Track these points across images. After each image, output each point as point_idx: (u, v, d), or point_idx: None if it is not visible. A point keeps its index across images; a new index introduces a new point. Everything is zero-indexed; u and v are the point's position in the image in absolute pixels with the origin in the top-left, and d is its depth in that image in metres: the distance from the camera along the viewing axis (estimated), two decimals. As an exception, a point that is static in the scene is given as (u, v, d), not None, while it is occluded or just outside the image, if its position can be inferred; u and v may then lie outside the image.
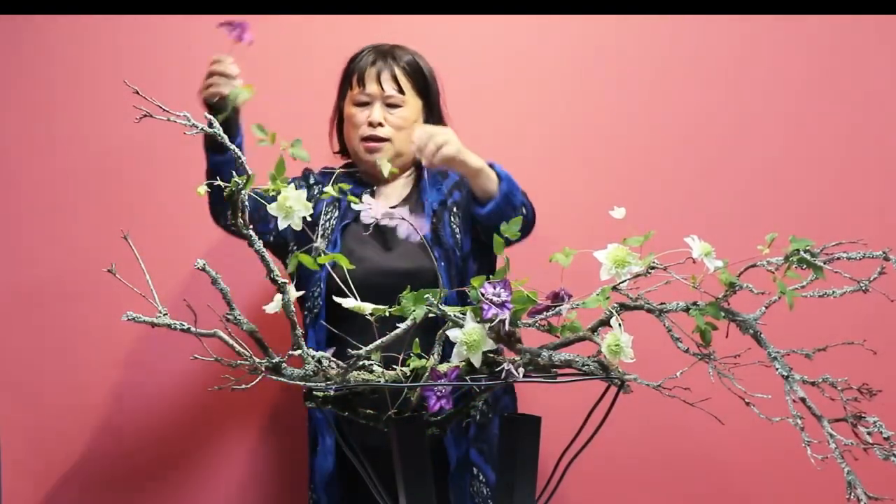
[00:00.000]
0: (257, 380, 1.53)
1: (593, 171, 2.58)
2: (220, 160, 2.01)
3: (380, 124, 2.17)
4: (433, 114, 2.24)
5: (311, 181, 2.25)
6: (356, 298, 1.57)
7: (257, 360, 1.52)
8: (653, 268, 1.54)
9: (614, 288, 1.56)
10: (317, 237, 2.13)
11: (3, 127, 2.57)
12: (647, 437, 2.56)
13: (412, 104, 2.19)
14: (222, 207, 2.03)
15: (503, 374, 1.54)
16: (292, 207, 1.50)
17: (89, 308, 2.52)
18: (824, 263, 1.52)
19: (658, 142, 2.59)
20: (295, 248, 2.13)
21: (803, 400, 1.50)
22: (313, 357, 1.55)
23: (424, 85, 2.22)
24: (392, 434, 1.63)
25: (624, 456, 2.55)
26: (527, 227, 2.09)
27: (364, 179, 2.24)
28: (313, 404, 1.60)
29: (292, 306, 1.53)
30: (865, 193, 2.55)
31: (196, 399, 2.50)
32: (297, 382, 1.55)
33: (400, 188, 2.24)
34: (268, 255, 1.51)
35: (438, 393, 1.53)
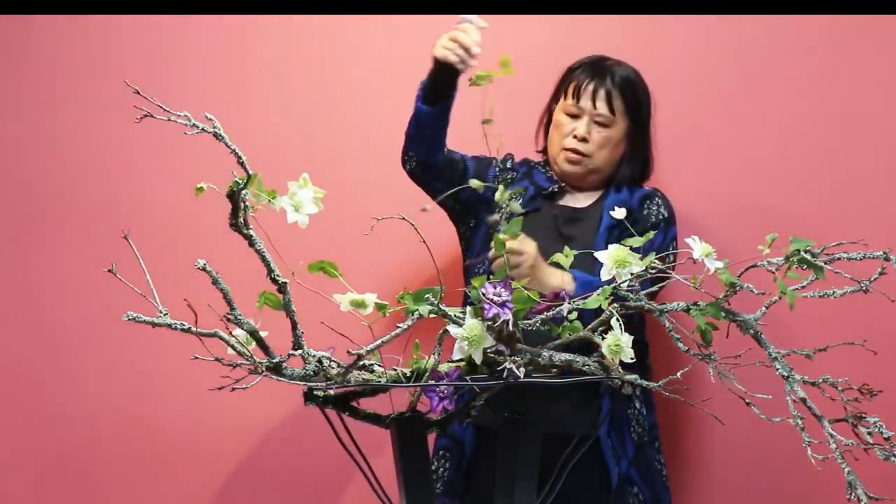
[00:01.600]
0: (257, 380, 1.53)
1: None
2: (425, 111, 2.15)
3: (584, 139, 2.21)
4: (640, 136, 2.28)
5: (508, 165, 2.31)
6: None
7: (258, 360, 1.52)
8: (653, 268, 1.54)
9: (614, 288, 1.56)
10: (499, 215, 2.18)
11: (3, 127, 2.57)
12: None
13: (620, 125, 2.23)
14: (423, 147, 2.20)
15: (504, 374, 1.54)
16: (301, 203, 1.51)
17: (89, 308, 2.52)
18: (825, 263, 1.52)
19: (658, 142, 2.58)
20: (472, 222, 2.26)
21: (804, 400, 1.50)
22: (314, 357, 1.55)
23: (636, 108, 2.25)
24: (392, 434, 1.63)
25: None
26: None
27: (554, 179, 2.29)
28: (314, 404, 1.60)
29: (292, 306, 1.53)
30: (865, 193, 2.55)
31: (196, 399, 2.50)
32: (298, 383, 1.55)
33: (586, 196, 2.28)
34: (268, 254, 1.51)
35: (441, 394, 1.53)
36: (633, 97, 2.25)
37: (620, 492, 2.15)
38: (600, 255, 1.55)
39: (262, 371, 1.52)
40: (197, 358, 1.51)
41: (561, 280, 1.98)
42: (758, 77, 2.59)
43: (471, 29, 2.08)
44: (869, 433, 1.47)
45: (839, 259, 1.53)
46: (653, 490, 2.20)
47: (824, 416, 1.49)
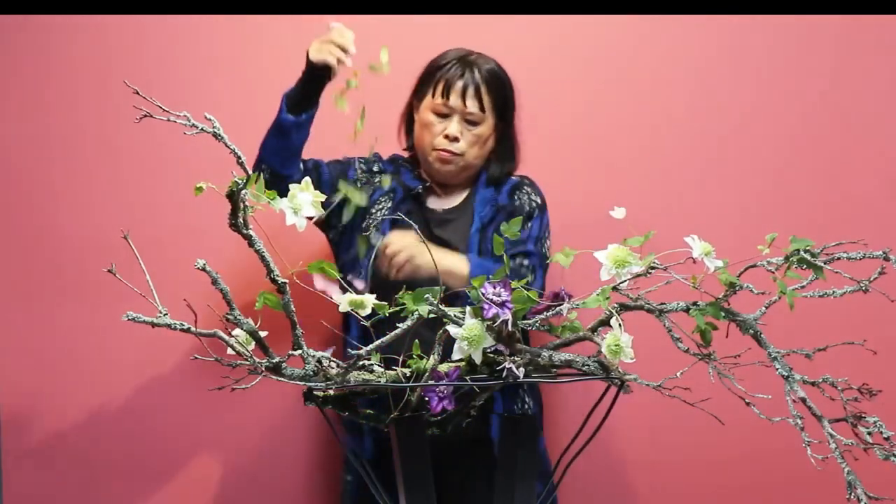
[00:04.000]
0: (257, 380, 1.53)
1: (593, 171, 2.58)
2: (291, 121, 2.13)
3: (455, 139, 2.20)
4: (507, 131, 2.27)
5: (375, 169, 2.29)
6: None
7: (257, 360, 1.52)
8: (653, 268, 1.54)
9: (614, 288, 1.56)
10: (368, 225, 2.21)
11: (3, 126, 2.57)
12: (647, 436, 2.56)
13: (489, 121, 2.22)
14: (278, 159, 2.15)
15: (504, 374, 1.54)
16: (301, 206, 1.51)
17: (89, 308, 2.52)
18: (824, 263, 1.52)
19: (658, 142, 2.58)
20: (342, 226, 2.22)
21: (803, 400, 1.50)
22: (313, 357, 1.55)
23: (503, 103, 2.24)
24: (392, 434, 1.63)
25: (624, 455, 2.55)
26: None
27: (422, 177, 2.27)
28: (314, 404, 1.60)
29: (292, 306, 1.53)
30: (865, 193, 2.55)
31: (196, 399, 2.50)
32: (298, 383, 1.55)
33: (456, 193, 2.27)
34: (268, 254, 1.51)
35: (441, 394, 1.53)
36: (500, 92, 2.23)
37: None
38: (600, 255, 1.55)
39: (262, 371, 1.52)
40: (197, 358, 1.51)
41: (453, 262, 2.04)
42: (757, 76, 2.59)
43: (343, 31, 2.10)
44: (869, 433, 1.47)
45: (839, 259, 1.53)
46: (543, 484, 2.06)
47: (824, 416, 1.49)
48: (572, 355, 1.57)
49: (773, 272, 1.53)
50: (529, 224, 2.21)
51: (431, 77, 2.23)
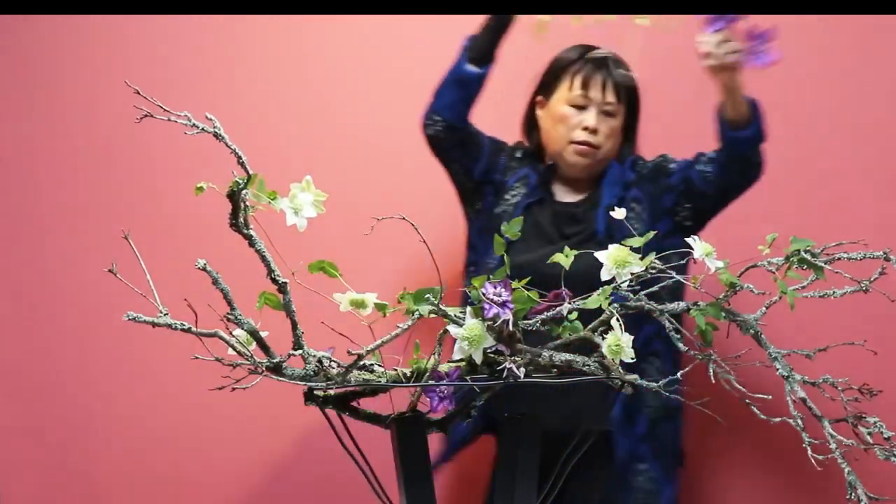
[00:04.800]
0: (257, 380, 1.53)
1: (593, 171, 2.58)
2: (474, 73, 2.19)
3: (595, 130, 2.22)
4: (634, 124, 2.31)
5: (518, 155, 2.32)
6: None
7: (258, 360, 1.52)
8: (653, 268, 1.54)
9: (614, 288, 1.56)
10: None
11: (3, 127, 2.57)
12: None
13: (621, 113, 2.26)
14: (455, 111, 2.22)
15: (504, 374, 1.54)
16: (301, 206, 1.51)
17: (89, 308, 2.52)
18: (825, 263, 1.52)
19: (659, 142, 2.58)
20: (479, 205, 2.28)
21: (804, 400, 1.50)
22: (314, 357, 1.55)
23: (634, 98, 2.29)
24: (392, 434, 1.63)
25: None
26: (757, 173, 2.20)
27: (551, 169, 2.29)
28: (314, 404, 1.60)
29: (292, 306, 1.53)
30: (865, 193, 2.55)
31: (196, 399, 2.50)
32: (298, 383, 1.55)
33: (583, 184, 2.29)
34: (268, 254, 1.51)
35: (441, 394, 1.53)
36: (632, 88, 2.28)
37: (627, 468, 2.14)
38: (600, 255, 1.55)
39: (262, 371, 1.52)
40: (197, 358, 1.51)
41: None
42: (758, 76, 2.59)
43: None
44: (869, 433, 1.46)
45: (839, 259, 1.53)
46: (664, 468, 2.17)
47: (824, 416, 1.49)
48: (572, 355, 1.57)
49: (774, 272, 1.53)
50: (672, 165, 2.27)
51: (564, 71, 2.26)
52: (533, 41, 2.12)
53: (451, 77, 2.21)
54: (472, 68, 2.19)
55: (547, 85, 2.29)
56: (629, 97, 2.27)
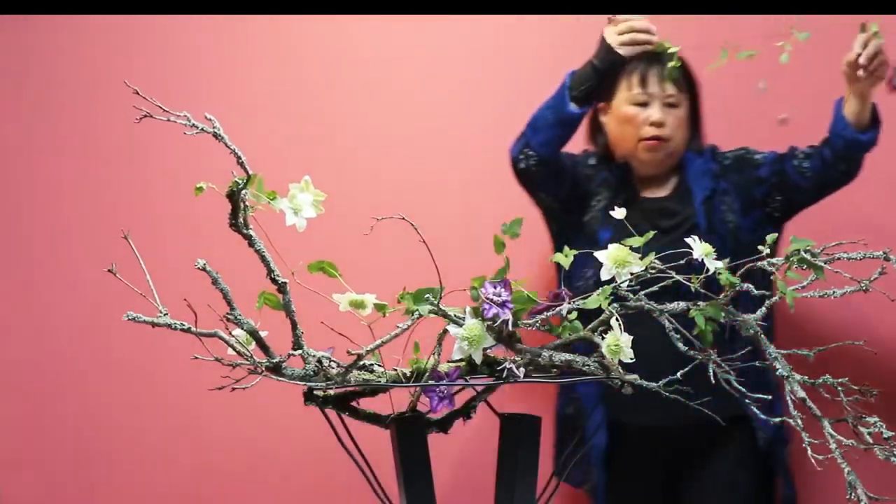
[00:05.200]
0: (257, 380, 1.53)
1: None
2: (577, 114, 2.19)
3: (661, 124, 2.22)
4: (696, 107, 2.32)
5: (591, 162, 2.33)
6: None
7: (258, 359, 1.52)
8: (653, 268, 1.54)
9: (614, 288, 1.56)
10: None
11: (3, 127, 2.57)
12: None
13: (684, 103, 2.27)
14: (550, 148, 2.22)
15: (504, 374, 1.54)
16: (301, 206, 1.51)
17: (89, 308, 2.52)
18: (824, 263, 1.52)
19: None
20: (566, 218, 2.28)
21: (803, 400, 1.50)
22: (313, 357, 1.54)
23: (693, 85, 2.30)
24: (392, 434, 1.63)
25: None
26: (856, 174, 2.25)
27: (627, 168, 2.30)
28: (314, 404, 1.60)
29: (292, 306, 1.53)
30: (865, 193, 2.55)
31: (196, 399, 2.50)
32: (298, 383, 1.55)
33: (666, 182, 2.29)
34: (268, 254, 1.51)
35: (441, 394, 1.53)
36: (689, 75, 2.30)
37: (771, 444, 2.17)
38: (600, 255, 1.55)
39: (262, 371, 1.52)
40: (197, 358, 1.51)
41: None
42: (757, 75, 2.59)
43: (629, 17, 2.15)
44: (869, 433, 1.46)
45: (839, 259, 1.53)
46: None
47: (824, 416, 1.49)
48: (572, 355, 1.57)
49: (774, 272, 1.53)
50: (758, 157, 2.29)
51: (620, 73, 2.25)
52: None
53: (553, 115, 2.20)
54: (575, 108, 2.18)
55: (607, 89, 2.28)
56: (688, 85, 2.29)
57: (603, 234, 2.20)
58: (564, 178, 2.27)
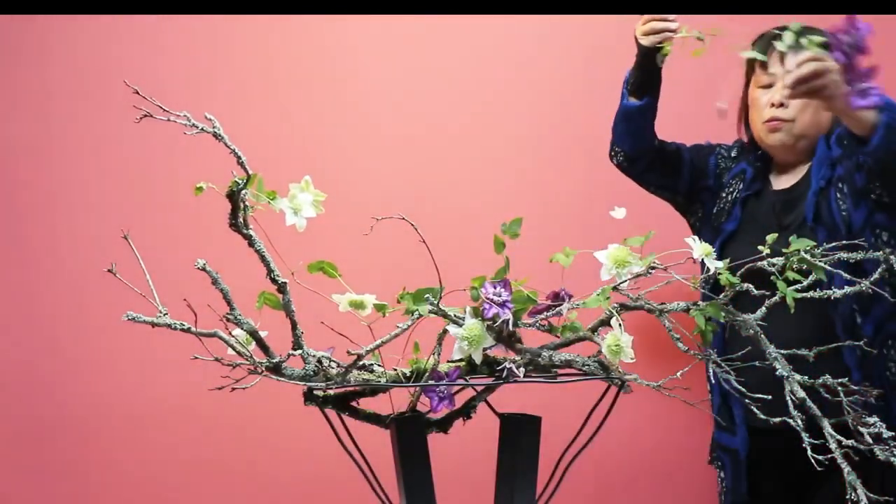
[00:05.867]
0: (257, 380, 1.53)
1: (593, 171, 2.58)
2: (634, 106, 2.16)
3: (780, 105, 2.13)
4: None
5: (732, 154, 2.28)
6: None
7: (257, 359, 1.52)
8: (653, 268, 1.54)
9: (614, 288, 1.56)
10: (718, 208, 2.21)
11: (3, 127, 2.57)
12: (646, 436, 2.56)
13: None
14: (629, 142, 2.21)
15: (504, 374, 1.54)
16: (301, 206, 1.51)
17: (89, 308, 2.52)
18: (824, 263, 1.52)
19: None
20: (700, 212, 2.24)
21: (803, 400, 1.50)
22: (313, 357, 1.55)
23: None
24: (392, 434, 1.63)
25: (623, 456, 2.55)
26: None
27: (765, 159, 2.22)
28: (314, 404, 1.60)
29: (292, 306, 1.53)
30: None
31: (196, 399, 2.50)
32: (298, 383, 1.55)
33: (796, 171, 2.19)
34: (268, 254, 1.51)
35: (441, 394, 1.53)
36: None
37: None
38: (600, 255, 1.55)
39: (262, 371, 1.52)
40: (197, 358, 1.51)
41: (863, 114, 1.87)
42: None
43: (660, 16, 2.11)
44: (869, 433, 1.46)
45: (839, 259, 1.53)
46: None
47: (824, 416, 1.49)
48: (572, 355, 1.57)
49: (774, 272, 1.53)
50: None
51: (751, 60, 2.19)
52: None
53: (619, 111, 2.21)
54: (632, 101, 2.18)
55: (746, 79, 2.23)
56: None
57: (727, 226, 2.15)
58: (673, 170, 2.24)
